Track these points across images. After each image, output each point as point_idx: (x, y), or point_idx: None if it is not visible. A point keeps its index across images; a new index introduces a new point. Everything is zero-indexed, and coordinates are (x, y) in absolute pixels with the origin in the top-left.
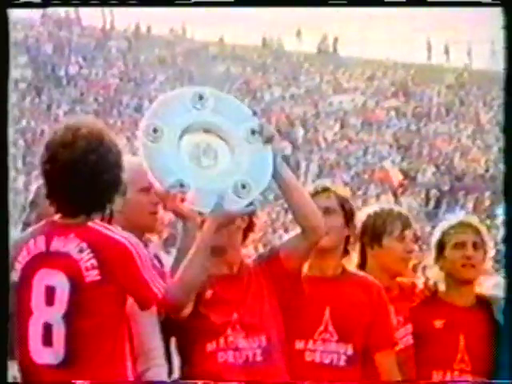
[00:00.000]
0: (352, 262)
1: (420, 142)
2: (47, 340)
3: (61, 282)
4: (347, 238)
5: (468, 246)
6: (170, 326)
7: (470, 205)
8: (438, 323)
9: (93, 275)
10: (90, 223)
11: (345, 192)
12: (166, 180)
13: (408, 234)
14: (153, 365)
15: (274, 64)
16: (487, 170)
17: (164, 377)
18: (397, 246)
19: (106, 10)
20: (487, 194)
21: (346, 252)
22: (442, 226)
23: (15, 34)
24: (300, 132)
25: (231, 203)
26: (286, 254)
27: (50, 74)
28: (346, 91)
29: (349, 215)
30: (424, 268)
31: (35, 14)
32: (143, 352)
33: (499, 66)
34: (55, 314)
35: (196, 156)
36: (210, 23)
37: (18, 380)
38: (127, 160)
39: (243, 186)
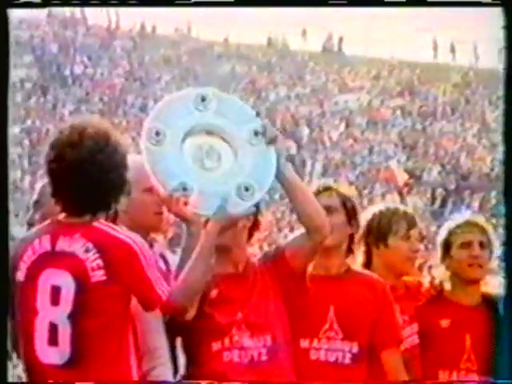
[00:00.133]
0: (357, 262)
1: (425, 141)
2: (53, 340)
3: (66, 282)
4: (351, 237)
5: (474, 246)
6: (175, 326)
7: (476, 204)
8: (444, 322)
9: (98, 275)
10: (95, 223)
11: (347, 190)
12: (169, 183)
13: (413, 233)
14: (158, 364)
15: (279, 63)
16: (493, 169)
17: (169, 376)
18: (402, 245)
19: (111, 9)
20: (493, 193)
21: (349, 251)
22: (448, 225)
23: (20, 34)
24: (305, 131)
25: (235, 206)
26: (291, 253)
27: (56, 74)
28: (352, 90)
29: (351, 213)
30: (430, 267)
31: (40, 13)
32: (148, 351)
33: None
34: (61, 314)
35: (199, 158)
36: (214, 23)
37: (23, 379)
38: (131, 159)
39: (246, 189)
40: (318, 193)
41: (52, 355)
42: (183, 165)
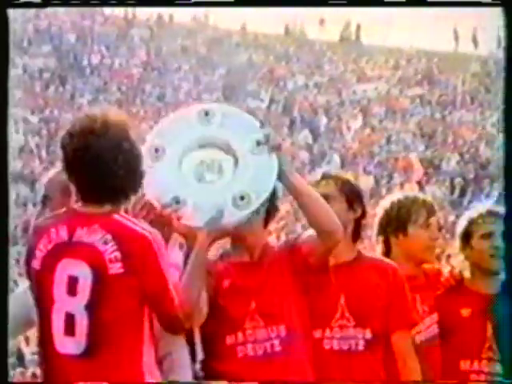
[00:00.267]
0: (376, 251)
1: (444, 130)
2: (69, 330)
3: (83, 272)
4: (357, 222)
5: (496, 237)
6: None
7: (496, 193)
8: (465, 312)
9: (116, 268)
10: (115, 215)
11: (345, 175)
12: (163, 198)
13: (433, 221)
14: (174, 350)
15: (296, 53)
16: None
17: (187, 360)
18: (422, 233)
19: None
20: None
21: (357, 235)
22: (469, 214)
23: (39, 23)
24: (323, 120)
25: (230, 216)
26: (307, 250)
27: (74, 64)
28: (370, 80)
29: (351, 198)
30: (448, 257)
31: None
32: (164, 336)
33: None
34: (77, 304)
35: (200, 172)
36: (232, 11)
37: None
38: None
39: (242, 198)
40: (315, 183)
41: (69, 345)
42: (180, 179)
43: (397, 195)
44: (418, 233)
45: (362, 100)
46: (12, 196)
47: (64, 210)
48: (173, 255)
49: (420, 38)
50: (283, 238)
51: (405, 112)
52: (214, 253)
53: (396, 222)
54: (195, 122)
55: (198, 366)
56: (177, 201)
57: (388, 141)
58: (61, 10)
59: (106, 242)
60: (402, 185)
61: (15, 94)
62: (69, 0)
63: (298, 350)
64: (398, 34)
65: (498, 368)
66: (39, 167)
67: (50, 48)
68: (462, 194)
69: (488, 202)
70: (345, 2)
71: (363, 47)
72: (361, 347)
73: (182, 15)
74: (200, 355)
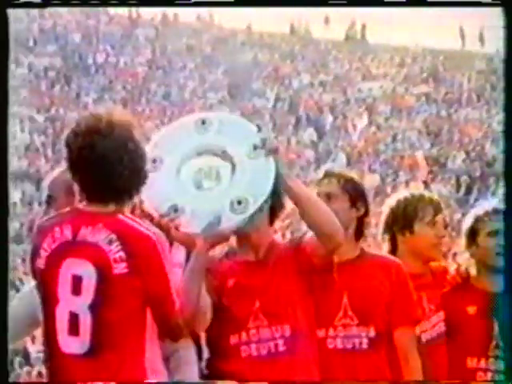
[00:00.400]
0: (383, 249)
1: (450, 128)
2: (73, 329)
3: (88, 272)
4: (360, 220)
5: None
6: None
7: (501, 191)
8: (471, 309)
9: (120, 267)
10: (119, 215)
11: (348, 173)
12: (161, 207)
13: (439, 219)
14: (181, 347)
15: (302, 51)
16: None
17: (193, 357)
18: (429, 231)
19: None
20: None
21: (360, 234)
22: (475, 212)
23: (44, 23)
24: (329, 119)
25: (228, 221)
26: (311, 250)
27: (79, 63)
28: (375, 78)
29: (355, 196)
30: (454, 254)
31: None
32: None
33: None
34: (81, 304)
35: (198, 179)
36: (237, 10)
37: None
38: None
39: (239, 202)
40: (318, 182)
41: (72, 345)
42: (178, 187)
43: (403, 193)
44: (425, 231)
45: (367, 98)
46: (17, 195)
47: (68, 209)
48: (176, 255)
49: (425, 36)
50: (289, 236)
51: (410, 110)
52: (219, 251)
53: (402, 220)
54: (192, 131)
55: (203, 364)
56: (175, 209)
57: (394, 139)
58: (65, 9)
59: (110, 242)
60: (407, 183)
61: (21, 93)
62: (69, 0)
63: (303, 349)
64: (403, 32)
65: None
66: (45, 166)
67: (55, 47)
68: (468, 191)
69: (494, 200)
70: (345, 1)
71: (368, 46)
72: (364, 346)
73: (186, 14)
74: (206, 353)
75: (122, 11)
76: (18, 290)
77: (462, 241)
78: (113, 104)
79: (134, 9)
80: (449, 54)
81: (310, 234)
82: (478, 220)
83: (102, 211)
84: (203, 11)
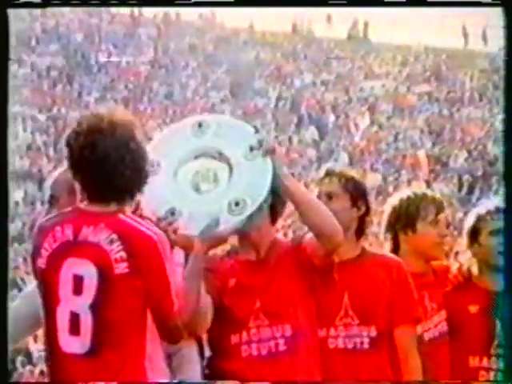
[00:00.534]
0: (385, 249)
1: (452, 127)
2: (74, 329)
3: (89, 272)
4: (361, 219)
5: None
6: None
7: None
8: (473, 308)
9: (121, 267)
10: (120, 215)
11: (350, 172)
12: (158, 211)
13: (442, 218)
14: (183, 346)
15: (304, 50)
16: None
17: (196, 356)
18: (431, 230)
19: None
20: None
21: (361, 233)
22: (477, 211)
23: (46, 22)
24: (331, 118)
25: (226, 222)
26: (311, 250)
27: (81, 62)
28: (377, 77)
29: (356, 196)
30: (456, 254)
31: None
32: None
33: None
34: (82, 304)
35: (196, 182)
36: (239, 9)
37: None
38: None
39: (236, 204)
40: (319, 181)
41: (73, 344)
42: (176, 190)
43: (405, 192)
44: (427, 229)
45: (369, 97)
46: (20, 194)
47: (69, 208)
48: (177, 255)
49: (428, 35)
50: (291, 235)
51: (412, 109)
52: (221, 249)
53: (405, 219)
54: (189, 135)
55: (204, 363)
56: (172, 212)
57: (396, 138)
58: (68, 8)
59: (111, 242)
60: (409, 182)
61: (23, 92)
62: (69, 0)
63: (304, 349)
64: (405, 31)
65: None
66: (47, 165)
67: (57, 46)
68: (470, 191)
69: (496, 199)
70: (345, 1)
71: (371, 44)
72: (366, 345)
73: (189, 13)
74: (207, 352)
75: (124, 10)
76: (20, 290)
77: (464, 240)
78: (115, 103)
79: (136, 8)
80: (451, 52)
81: (309, 235)
82: (479, 219)
83: (104, 211)
84: (205, 10)
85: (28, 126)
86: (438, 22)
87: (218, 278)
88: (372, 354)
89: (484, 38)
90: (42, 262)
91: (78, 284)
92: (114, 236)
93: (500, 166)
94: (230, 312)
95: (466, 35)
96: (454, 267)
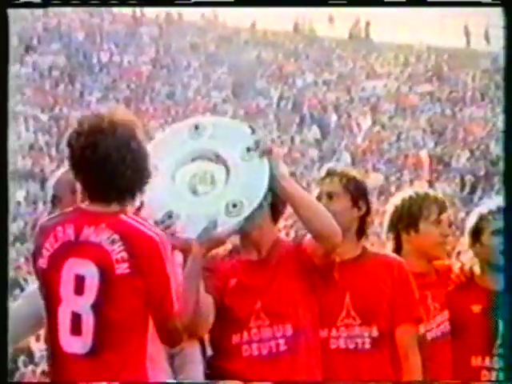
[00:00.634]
0: (387, 248)
1: (454, 126)
2: (76, 329)
3: (90, 272)
4: (362, 219)
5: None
6: None
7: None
8: (476, 308)
9: (123, 268)
10: (121, 215)
11: (351, 172)
12: (156, 215)
13: (444, 217)
14: (186, 346)
15: (306, 50)
16: None
17: (198, 356)
18: (433, 230)
19: None
20: None
21: (362, 232)
22: (479, 211)
23: (48, 21)
24: (333, 117)
25: (223, 224)
26: (311, 250)
27: (83, 62)
28: (379, 76)
29: (356, 196)
30: (458, 253)
31: None
32: None
33: None
34: (84, 304)
35: (193, 185)
36: (241, 9)
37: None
38: None
39: (234, 205)
40: (320, 180)
41: (74, 344)
42: (173, 193)
43: (408, 192)
44: (430, 229)
45: (371, 97)
46: (22, 194)
47: (71, 208)
48: (177, 257)
49: (430, 35)
50: (293, 235)
51: (415, 109)
52: (223, 249)
53: (407, 219)
54: (186, 137)
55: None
56: (169, 215)
57: (398, 138)
58: (69, 8)
59: (113, 242)
60: (411, 182)
61: (25, 91)
62: (69, 0)
63: (305, 349)
64: (407, 30)
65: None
66: (49, 165)
67: (59, 46)
68: (473, 190)
69: (498, 199)
70: (345, 1)
71: (373, 44)
72: (367, 346)
73: (191, 13)
74: (209, 352)
75: (126, 10)
76: (22, 290)
77: (466, 239)
78: (117, 103)
79: (137, 8)
80: (453, 52)
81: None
82: (482, 219)
83: (105, 211)
84: (207, 10)
85: (30, 126)
86: (439, 21)
87: (219, 278)
88: (373, 355)
89: (486, 37)
90: (43, 262)
91: (79, 284)
92: (116, 236)
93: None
94: (231, 312)
95: (468, 35)
96: (456, 267)
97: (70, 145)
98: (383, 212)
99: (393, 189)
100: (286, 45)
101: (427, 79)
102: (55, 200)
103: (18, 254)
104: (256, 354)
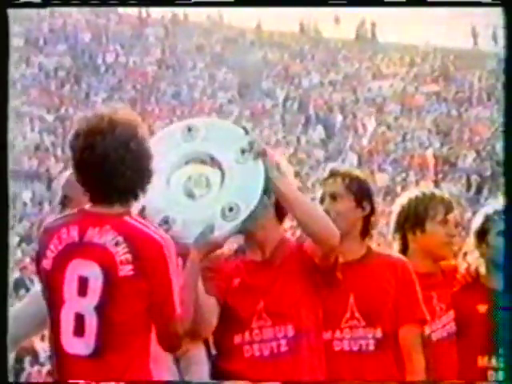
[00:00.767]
0: (393, 249)
1: (460, 127)
2: (79, 330)
3: (94, 273)
4: (366, 218)
5: None
6: None
7: None
8: (482, 308)
9: (126, 270)
10: (126, 217)
11: (354, 172)
12: (152, 220)
13: (451, 217)
14: (191, 347)
15: (311, 50)
16: None
17: (203, 358)
18: (440, 230)
19: None
20: None
21: (366, 233)
22: (485, 211)
23: (54, 22)
24: (338, 118)
25: (220, 228)
26: (310, 250)
27: (88, 62)
28: (385, 77)
29: (360, 196)
30: (465, 254)
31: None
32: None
33: None
34: (87, 305)
35: (189, 188)
36: (246, 10)
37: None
38: None
39: (230, 209)
40: (323, 181)
41: (77, 346)
42: (169, 198)
43: (414, 192)
44: (436, 229)
45: (377, 97)
46: (28, 194)
47: (75, 210)
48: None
49: (436, 35)
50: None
51: (420, 109)
52: (228, 248)
53: (414, 219)
54: (179, 140)
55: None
56: (166, 221)
57: (403, 138)
58: (75, 9)
59: (117, 244)
60: (417, 182)
61: (31, 92)
62: (69, 0)
63: (306, 350)
64: (413, 31)
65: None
66: (55, 166)
67: (65, 47)
68: (479, 191)
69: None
70: (345, 1)
71: (378, 45)
72: (371, 347)
73: (196, 14)
74: (214, 352)
75: (132, 10)
76: (27, 290)
77: (472, 240)
78: (122, 103)
79: (143, 8)
80: (459, 53)
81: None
82: (488, 219)
83: (109, 212)
84: (213, 10)
85: (36, 127)
86: (446, 22)
87: (222, 279)
88: (377, 356)
89: (494, 38)
90: (47, 264)
91: (82, 285)
92: (120, 238)
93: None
94: (234, 312)
95: (475, 35)
96: (463, 267)
97: (71, 146)
98: (389, 212)
99: (399, 189)
100: (291, 45)
101: (433, 79)
102: (65, 200)
103: (23, 255)
104: (257, 355)
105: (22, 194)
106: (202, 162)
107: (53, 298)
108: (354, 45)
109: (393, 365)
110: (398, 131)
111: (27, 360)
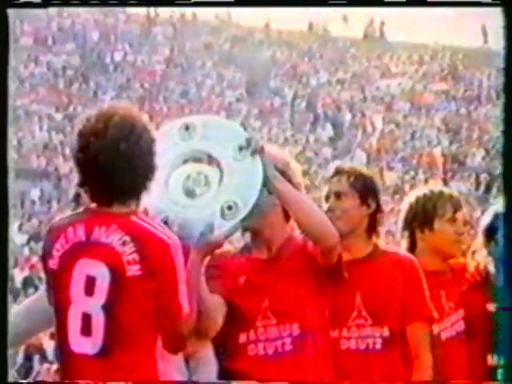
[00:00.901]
0: (402, 247)
1: (469, 125)
2: (86, 330)
3: (101, 272)
4: (372, 216)
5: None
6: None
7: None
8: (491, 307)
9: (134, 270)
10: (133, 217)
11: (360, 170)
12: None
13: (459, 215)
14: (199, 348)
15: (320, 49)
16: None
17: (212, 358)
18: (448, 228)
19: None
20: None
21: (372, 230)
22: (494, 210)
23: (62, 21)
24: (347, 116)
25: (220, 228)
26: (312, 250)
27: (97, 61)
28: (394, 75)
29: (365, 193)
30: (473, 252)
31: None
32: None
33: None
34: (94, 304)
35: (187, 187)
36: (255, 8)
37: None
38: None
39: (229, 208)
40: (328, 179)
41: (84, 345)
42: (168, 198)
43: (422, 190)
44: (444, 227)
45: (385, 96)
46: (36, 193)
47: (81, 209)
48: None
49: (444, 34)
50: None
51: (429, 108)
52: (234, 246)
53: (422, 217)
54: (177, 139)
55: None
56: (165, 221)
57: (412, 137)
58: (83, 8)
59: (124, 244)
60: (426, 181)
61: (39, 91)
62: (69, 0)
63: (312, 349)
64: (422, 29)
65: None
66: (63, 164)
67: (73, 46)
68: (488, 189)
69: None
70: (345, 1)
71: (387, 43)
72: (378, 346)
73: (205, 13)
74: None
75: (140, 9)
76: (36, 288)
77: (480, 238)
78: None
79: (136, 7)
80: (468, 51)
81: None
82: (496, 218)
83: (116, 212)
84: (221, 9)
85: (44, 125)
86: (454, 21)
87: (228, 277)
88: (385, 355)
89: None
90: (53, 263)
91: (90, 285)
92: (127, 238)
93: None
94: (239, 310)
95: (485, 34)
96: (472, 266)
97: (71, 148)
98: (398, 211)
99: (407, 187)
100: (300, 44)
101: (442, 78)
102: (78, 199)
103: (31, 253)
104: (262, 354)
105: (30, 192)
106: (200, 160)
107: (60, 298)
108: (363, 43)
109: (400, 364)
110: (406, 129)
111: (36, 358)
